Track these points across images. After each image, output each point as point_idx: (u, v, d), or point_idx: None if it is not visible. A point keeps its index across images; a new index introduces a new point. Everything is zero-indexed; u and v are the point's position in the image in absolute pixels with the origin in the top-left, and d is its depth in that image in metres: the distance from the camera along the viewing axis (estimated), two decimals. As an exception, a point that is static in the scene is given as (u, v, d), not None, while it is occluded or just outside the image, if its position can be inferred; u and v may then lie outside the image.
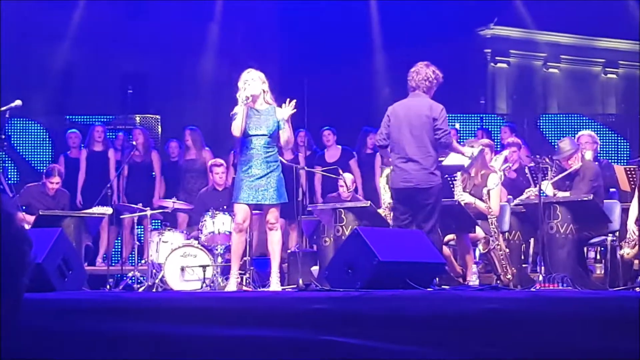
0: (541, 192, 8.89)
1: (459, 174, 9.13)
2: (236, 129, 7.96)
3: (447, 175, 9.19)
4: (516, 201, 9.69)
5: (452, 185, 9.30)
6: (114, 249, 12.50)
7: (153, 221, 10.88)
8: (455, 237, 9.22)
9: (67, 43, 16.10)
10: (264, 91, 8.11)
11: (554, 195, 9.21)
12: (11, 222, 1.51)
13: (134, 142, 12.04)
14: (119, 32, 16.47)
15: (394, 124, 8.21)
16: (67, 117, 14.63)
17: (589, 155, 9.70)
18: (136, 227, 10.99)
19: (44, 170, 11.07)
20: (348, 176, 10.76)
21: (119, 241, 12.52)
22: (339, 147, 12.49)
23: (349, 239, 7.38)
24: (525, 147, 11.96)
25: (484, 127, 13.92)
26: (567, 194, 9.18)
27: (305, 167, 10.52)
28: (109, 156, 12.39)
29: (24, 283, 1.54)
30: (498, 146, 11.88)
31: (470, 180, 9.29)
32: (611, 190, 10.21)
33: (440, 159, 8.40)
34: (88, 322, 4.76)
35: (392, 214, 8.63)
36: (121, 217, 11.24)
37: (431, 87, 8.25)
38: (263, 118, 8.01)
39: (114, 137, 12.91)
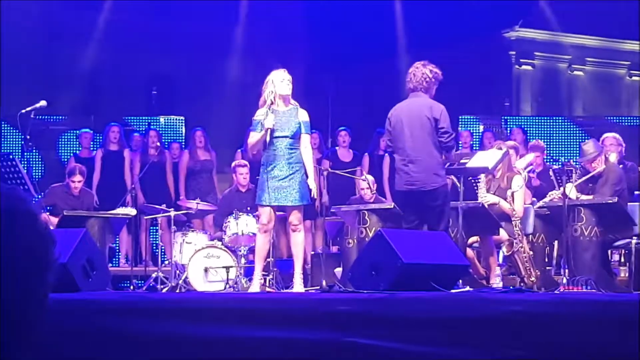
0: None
1: (482, 175, 9.08)
2: (252, 148, 8.19)
3: (470, 177, 9.16)
4: (540, 203, 9.65)
5: (475, 187, 9.27)
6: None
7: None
8: (478, 239, 9.19)
9: (94, 45, 16.18)
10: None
11: (577, 198, 9.16)
12: (35, 221, 1.52)
13: (158, 143, 12.15)
14: (145, 34, 16.54)
15: (396, 126, 8.11)
16: (93, 117, 14.71)
17: (613, 157, 9.63)
18: (151, 227, 11.06)
19: (66, 171, 11.12)
20: (370, 178, 10.75)
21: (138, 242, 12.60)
22: (351, 151, 12.57)
23: (373, 240, 7.38)
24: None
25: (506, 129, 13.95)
26: (590, 197, 9.14)
27: (329, 169, 10.51)
28: (124, 156, 12.45)
29: (49, 282, 1.55)
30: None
31: (494, 182, 9.26)
32: (636, 192, 10.15)
33: (463, 160, 8.34)
34: (112, 322, 4.78)
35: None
36: (145, 217, 11.27)
37: (430, 86, 8.13)
38: (285, 119, 8.02)
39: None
